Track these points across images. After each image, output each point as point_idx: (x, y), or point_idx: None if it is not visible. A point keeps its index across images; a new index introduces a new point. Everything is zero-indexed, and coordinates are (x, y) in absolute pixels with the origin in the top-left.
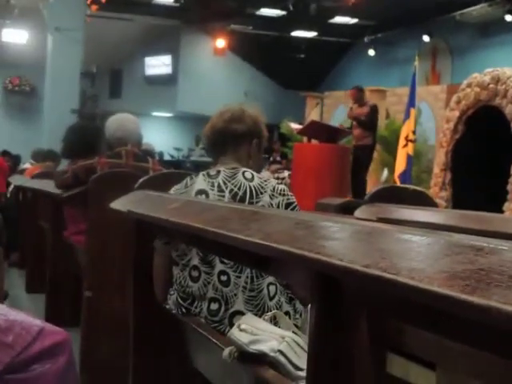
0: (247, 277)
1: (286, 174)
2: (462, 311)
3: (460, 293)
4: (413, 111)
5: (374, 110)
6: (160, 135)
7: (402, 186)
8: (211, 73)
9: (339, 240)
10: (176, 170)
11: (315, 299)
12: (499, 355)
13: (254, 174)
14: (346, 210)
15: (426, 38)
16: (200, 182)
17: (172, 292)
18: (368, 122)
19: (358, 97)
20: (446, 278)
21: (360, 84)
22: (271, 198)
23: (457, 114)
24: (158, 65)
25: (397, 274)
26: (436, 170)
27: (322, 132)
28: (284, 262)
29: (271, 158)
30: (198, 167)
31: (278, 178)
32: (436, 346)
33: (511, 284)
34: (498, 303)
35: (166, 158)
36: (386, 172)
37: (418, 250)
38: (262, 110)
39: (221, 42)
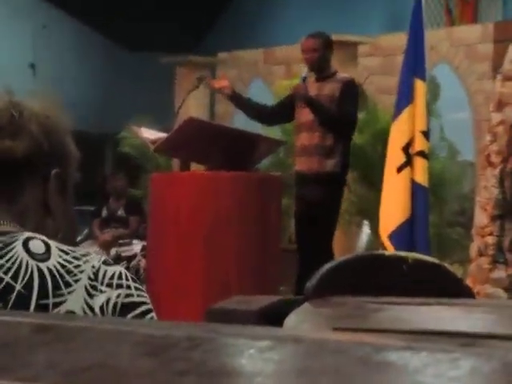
0: None
1: (137, 247)
2: None
3: None
4: (420, 85)
5: (351, 91)
6: None
7: (395, 254)
8: None
9: (235, 373)
10: None
11: None
12: None
13: (51, 243)
14: (276, 320)
15: None
16: None
17: None
18: (339, 114)
19: (321, 57)
20: None
21: (316, 31)
22: (90, 295)
23: None
24: None
25: None
26: (480, 216)
27: (214, 144)
28: None
29: (104, 213)
30: None
31: (119, 258)
32: None
33: None
34: None
35: None
36: (366, 227)
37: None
38: (66, 104)
39: None
